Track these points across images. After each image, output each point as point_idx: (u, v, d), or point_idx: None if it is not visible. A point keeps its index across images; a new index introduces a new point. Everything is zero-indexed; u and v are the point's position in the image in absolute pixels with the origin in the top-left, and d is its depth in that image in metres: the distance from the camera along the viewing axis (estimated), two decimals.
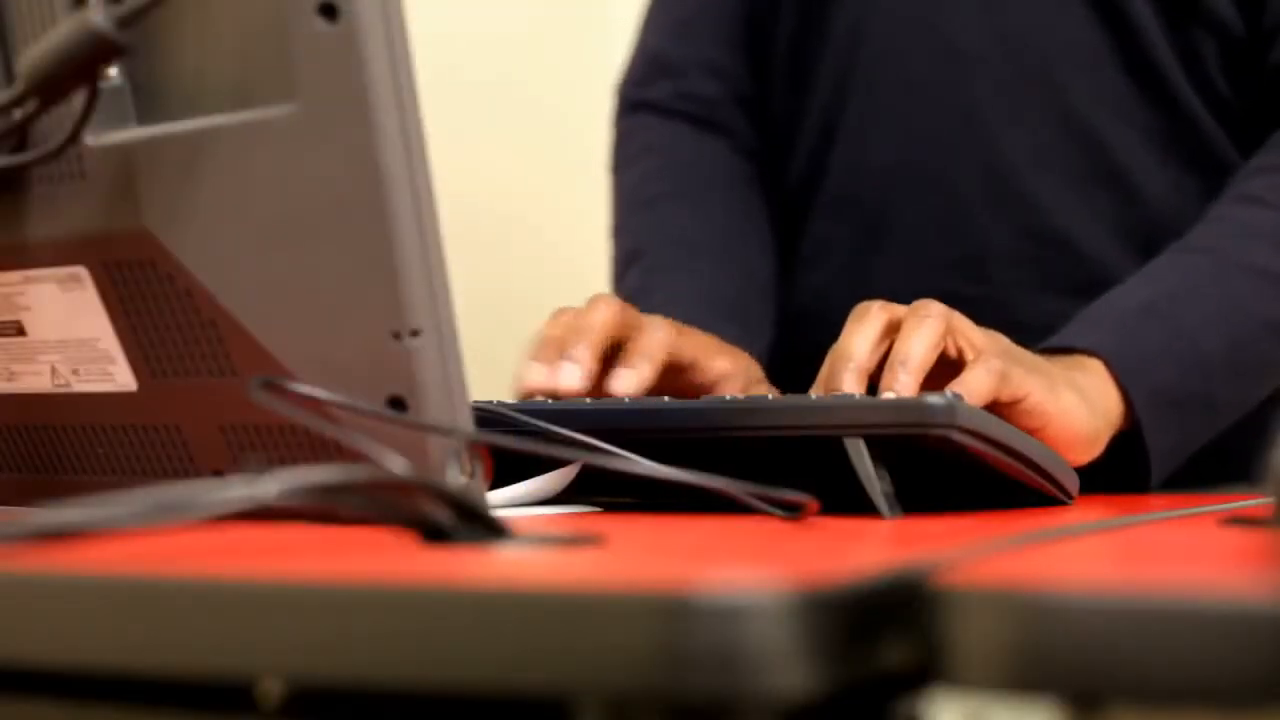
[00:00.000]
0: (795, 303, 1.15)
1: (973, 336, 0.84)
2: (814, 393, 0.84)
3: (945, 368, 0.83)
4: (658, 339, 0.90)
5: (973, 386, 0.80)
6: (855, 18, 1.12)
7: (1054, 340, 0.94)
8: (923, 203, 1.10)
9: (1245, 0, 1.05)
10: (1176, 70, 1.06)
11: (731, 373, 0.97)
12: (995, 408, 0.81)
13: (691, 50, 1.22)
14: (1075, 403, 0.86)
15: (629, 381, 0.87)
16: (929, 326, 0.81)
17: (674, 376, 0.92)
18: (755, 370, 1.00)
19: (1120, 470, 0.93)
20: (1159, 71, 1.06)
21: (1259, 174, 1.03)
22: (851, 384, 0.81)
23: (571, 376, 0.86)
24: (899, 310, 0.84)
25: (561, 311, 0.92)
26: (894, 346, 0.81)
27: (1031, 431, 0.83)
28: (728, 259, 1.14)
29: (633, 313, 0.91)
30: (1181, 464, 0.98)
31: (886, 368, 0.81)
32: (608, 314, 0.89)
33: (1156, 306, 0.96)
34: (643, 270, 1.14)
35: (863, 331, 0.83)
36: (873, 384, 0.83)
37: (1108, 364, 0.92)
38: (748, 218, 1.18)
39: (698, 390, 0.95)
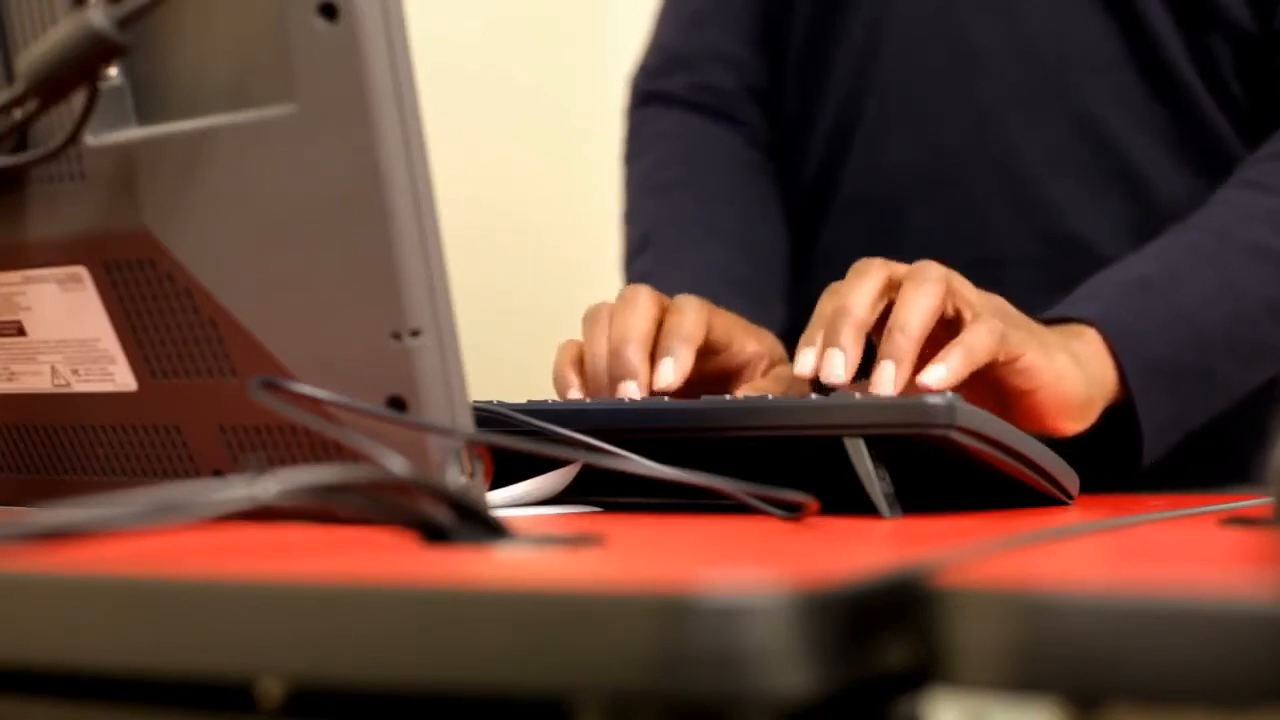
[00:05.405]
0: (810, 303, 1.15)
1: (970, 296, 0.85)
2: (807, 337, 0.84)
3: (943, 327, 0.83)
4: (691, 319, 0.91)
5: (973, 344, 0.81)
6: (871, 19, 1.12)
7: (1052, 311, 0.94)
8: (938, 204, 1.10)
9: (1258, 2, 1.05)
10: (1191, 73, 1.06)
11: (760, 354, 0.98)
12: (990, 367, 0.82)
13: (707, 43, 1.22)
14: (1069, 367, 0.87)
15: (668, 372, 0.88)
16: (927, 292, 0.82)
17: (707, 359, 0.93)
18: (779, 351, 1.01)
19: (1114, 446, 0.93)
20: (1173, 74, 1.06)
21: (1262, 161, 1.03)
22: (850, 340, 0.81)
23: (633, 392, 0.87)
24: (899, 269, 0.84)
25: (598, 309, 0.92)
26: (893, 312, 0.82)
27: (1024, 395, 0.83)
28: (739, 240, 1.14)
29: (665, 298, 0.92)
30: (1181, 464, 0.98)
31: (885, 333, 0.81)
32: (649, 314, 0.90)
33: (1155, 281, 0.96)
34: (654, 254, 1.14)
35: (864, 286, 0.83)
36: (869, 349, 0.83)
37: (1102, 334, 0.92)
38: (760, 203, 1.18)
39: (728, 374, 0.96)
